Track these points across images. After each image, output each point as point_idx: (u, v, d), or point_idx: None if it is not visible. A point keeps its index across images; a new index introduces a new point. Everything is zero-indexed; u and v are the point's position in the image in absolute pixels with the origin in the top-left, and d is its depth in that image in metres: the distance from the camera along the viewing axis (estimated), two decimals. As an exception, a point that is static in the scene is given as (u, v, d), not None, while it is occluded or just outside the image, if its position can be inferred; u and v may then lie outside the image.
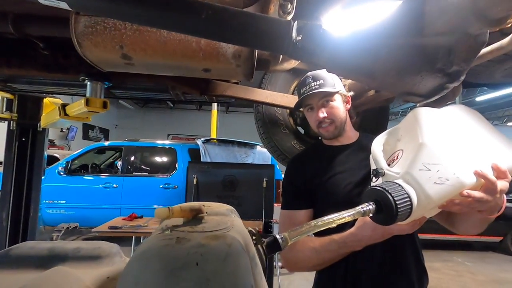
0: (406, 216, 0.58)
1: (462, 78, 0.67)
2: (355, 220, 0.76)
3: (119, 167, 5.16)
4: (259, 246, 0.47)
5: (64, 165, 4.79)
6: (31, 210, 1.97)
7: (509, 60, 0.90)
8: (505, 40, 0.70)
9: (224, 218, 0.45)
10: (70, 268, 0.48)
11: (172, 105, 13.57)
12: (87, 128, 11.12)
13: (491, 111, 12.85)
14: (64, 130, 9.43)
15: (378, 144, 0.77)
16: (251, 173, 3.50)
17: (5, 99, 1.84)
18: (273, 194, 3.41)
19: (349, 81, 1.34)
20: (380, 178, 0.69)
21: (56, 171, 4.75)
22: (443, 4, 0.59)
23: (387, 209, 0.56)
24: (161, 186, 4.87)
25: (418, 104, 1.06)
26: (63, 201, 4.65)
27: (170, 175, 4.95)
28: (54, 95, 1.96)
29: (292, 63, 1.15)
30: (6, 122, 1.92)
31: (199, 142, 5.04)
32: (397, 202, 0.55)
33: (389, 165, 0.70)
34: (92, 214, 4.62)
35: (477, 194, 0.58)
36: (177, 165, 4.99)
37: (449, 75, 0.67)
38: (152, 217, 3.39)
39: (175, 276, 0.29)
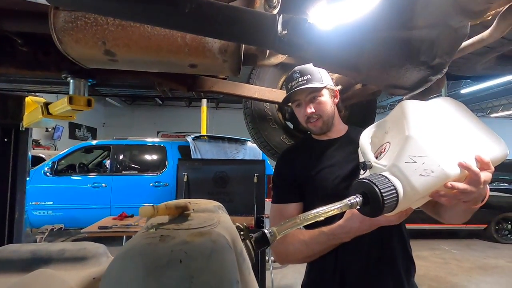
0: (392, 207, 0.59)
1: (445, 70, 0.68)
2: (343, 212, 0.78)
3: (107, 166, 5.07)
4: (247, 241, 0.47)
5: (50, 165, 4.67)
6: (16, 213, 1.91)
7: (489, 52, 0.92)
8: (486, 33, 0.71)
9: (211, 215, 0.45)
10: (55, 270, 0.47)
11: (161, 102, 13.39)
12: (73, 127, 10.86)
13: (475, 103, 13.22)
14: (49, 129, 9.19)
15: (366, 137, 0.78)
16: (241, 169, 3.50)
17: (-16, 98, 1.77)
18: (264, 189, 3.43)
19: (337, 74, 1.35)
20: (368, 171, 0.70)
21: (42, 171, 4.63)
22: (425, -3, 0.60)
23: (373, 201, 0.57)
24: (151, 184, 4.82)
25: (404, 97, 1.08)
26: (51, 202, 4.55)
27: (160, 173, 4.90)
28: (36, 94, 1.90)
29: (280, 58, 1.14)
30: (-14, 123, 1.85)
31: (189, 139, 5.00)
32: (383, 194, 0.56)
33: (377, 157, 0.71)
34: (81, 215, 4.55)
35: (461, 185, 0.59)
36: (167, 163, 4.94)
37: (432, 67, 0.68)
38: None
39: (158, 275, 0.28)
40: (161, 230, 0.36)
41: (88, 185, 4.73)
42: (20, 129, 1.91)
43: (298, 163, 1.04)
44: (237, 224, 0.49)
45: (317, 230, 0.88)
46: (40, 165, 4.74)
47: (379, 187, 0.57)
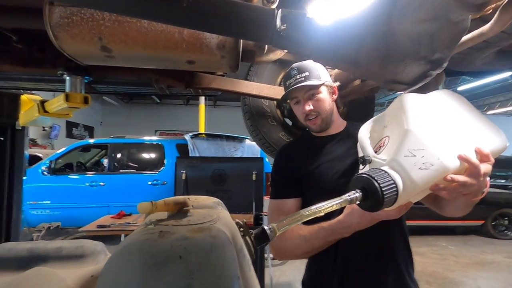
0: (392, 202, 0.58)
1: (445, 65, 0.68)
2: (343, 207, 0.77)
3: (105, 165, 5.05)
4: (247, 237, 0.47)
5: (47, 164, 4.65)
6: (13, 212, 1.90)
7: (488, 47, 0.92)
8: (486, 27, 0.70)
9: (211, 211, 0.44)
10: (52, 268, 0.46)
11: (158, 100, 13.33)
12: (70, 126, 10.80)
13: (473, 100, 13.27)
14: (46, 128, 9.13)
15: (364, 132, 0.78)
16: (240, 166, 3.49)
17: (-21, 97, 1.75)
18: (263, 187, 3.42)
19: (335, 71, 1.34)
20: (367, 165, 0.70)
21: (40, 171, 4.60)
22: (425, -10, 0.59)
23: (373, 196, 0.57)
24: (149, 182, 4.80)
25: (404, 93, 1.07)
26: (48, 202, 4.52)
27: (158, 172, 4.89)
28: (32, 92, 1.88)
29: (278, 54, 1.14)
30: (-18, 121, 1.83)
31: (187, 137, 4.98)
32: (383, 189, 0.56)
33: (376, 152, 0.70)
34: (79, 214, 4.53)
35: (461, 178, 0.59)
36: (165, 161, 4.93)
37: (432, 62, 0.68)
38: (141, 214, 3.33)
39: (157, 271, 0.28)
40: (160, 226, 0.36)
41: (86, 184, 4.71)
42: (16, 127, 1.89)
43: (297, 159, 1.04)
44: (237, 220, 0.48)
45: (317, 226, 0.87)
46: (37, 164, 4.71)
47: (378, 181, 0.56)
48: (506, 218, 5.67)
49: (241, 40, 0.91)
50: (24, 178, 2.01)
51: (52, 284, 0.38)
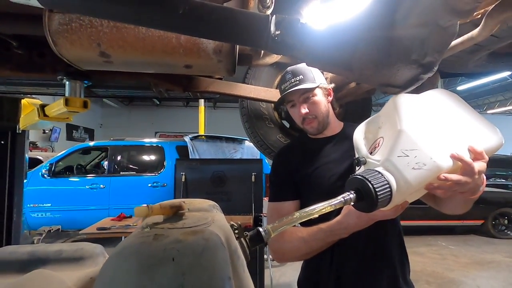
0: (386, 202, 0.59)
1: (436, 68, 0.69)
2: (341, 208, 0.78)
3: (105, 167, 5.06)
4: (241, 239, 0.48)
5: (48, 167, 4.66)
6: (14, 215, 1.91)
7: (480, 50, 0.94)
8: (475, 31, 0.72)
9: (206, 214, 0.46)
10: (52, 270, 0.47)
11: (158, 103, 13.36)
12: (71, 128, 10.83)
13: (472, 100, 13.30)
14: (46, 131, 9.15)
15: (359, 133, 0.78)
16: (239, 168, 3.50)
17: (-20, 101, 1.77)
18: (262, 188, 3.43)
19: (331, 74, 1.35)
20: (362, 167, 0.71)
21: (40, 173, 4.62)
22: (416, -3, 0.60)
23: (367, 197, 0.57)
24: (149, 185, 4.82)
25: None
26: (49, 204, 4.53)
27: (158, 173, 4.90)
28: (32, 96, 1.90)
29: (274, 58, 1.15)
30: (-17, 125, 1.84)
31: (187, 139, 5.00)
32: (376, 190, 0.57)
33: (371, 152, 0.71)
34: (80, 216, 4.54)
35: (455, 177, 0.59)
36: (165, 163, 4.94)
37: (423, 66, 0.69)
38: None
39: (151, 272, 0.29)
40: (155, 229, 0.37)
41: (86, 187, 4.72)
42: (17, 131, 1.91)
43: (294, 161, 1.05)
44: (232, 222, 0.49)
45: (316, 227, 0.88)
46: (38, 167, 4.73)
47: (372, 182, 0.57)
48: (506, 217, 5.67)
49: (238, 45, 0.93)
50: (25, 181, 2.02)
51: (52, 286, 0.40)
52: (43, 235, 3.60)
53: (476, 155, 0.61)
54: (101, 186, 4.72)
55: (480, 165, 0.61)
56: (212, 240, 0.34)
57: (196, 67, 0.94)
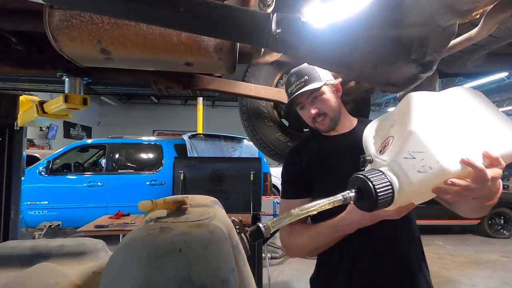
0: (388, 202, 0.59)
1: (435, 67, 0.70)
2: (346, 206, 0.79)
3: (103, 165, 5.05)
4: (242, 234, 0.49)
5: (45, 165, 4.64)
6: (12, 212, 1.91)
7: (478, 50, 0.95)
8: (474, 31, 0.73)
9: (207, 209, 0.46)
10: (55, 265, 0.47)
11: (157, 101, 13.32)
12: (68, 126, 10.77)
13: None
14: (44, 129, 9.10)
15: (370, 131, 0.78)
16: (238, 166, 3.51)
17: (-22, 97, 1.76)
18: (261, 187, 3.44)
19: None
20: (369, 165, 0.70)
21: (37, 171, 4.59)
22: (415, -4, 0.61)
23: (368, 196, 0.57)
24: (147, 183, 4.81)
25: (398, 95, 1.09)
26: (46, 202, 4.52)
27: (157, 172, 4.89)
28: (31, 93, 1.89)
29: (274, 56, 1.15)
30: (-19, 122, 1.84)
31: (185, 137, 4.99)
32: (378, 190, 0.56)
33: (381, 151, 0.69)
34: (77, 214, 4.52)
35: (463, 182, 0.56)
36: (163, 161, 4.93)
37: (423, 65, 0.70)
38: (139, 214, 3.35)
39: (159, 263, 0.30)
40: (160, 223, 0.38)
41: (84, 184, 4.70)
42: (15, 128, 1.90)
43: (306, 159, 1.04)
44: (233, 218, 0.50)
45: (322, 223, 0.89)
46: (35, 164, 4.70)
47: (373, 182, 0.57)
48: (502, 217, 5.72)
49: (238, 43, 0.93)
50: (22, 178, 2.02)
51: (56, 279, 0.40)
52: (44, 231, 3.58)
53: (492, 161, 0.57)
54: (99, 184, 4.71)
55: (494, 172, 0.57)
56: (217, 233, 0.34)
57: (196, 65, 0.95)
